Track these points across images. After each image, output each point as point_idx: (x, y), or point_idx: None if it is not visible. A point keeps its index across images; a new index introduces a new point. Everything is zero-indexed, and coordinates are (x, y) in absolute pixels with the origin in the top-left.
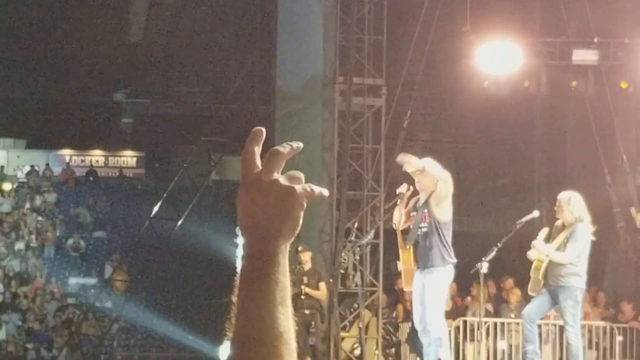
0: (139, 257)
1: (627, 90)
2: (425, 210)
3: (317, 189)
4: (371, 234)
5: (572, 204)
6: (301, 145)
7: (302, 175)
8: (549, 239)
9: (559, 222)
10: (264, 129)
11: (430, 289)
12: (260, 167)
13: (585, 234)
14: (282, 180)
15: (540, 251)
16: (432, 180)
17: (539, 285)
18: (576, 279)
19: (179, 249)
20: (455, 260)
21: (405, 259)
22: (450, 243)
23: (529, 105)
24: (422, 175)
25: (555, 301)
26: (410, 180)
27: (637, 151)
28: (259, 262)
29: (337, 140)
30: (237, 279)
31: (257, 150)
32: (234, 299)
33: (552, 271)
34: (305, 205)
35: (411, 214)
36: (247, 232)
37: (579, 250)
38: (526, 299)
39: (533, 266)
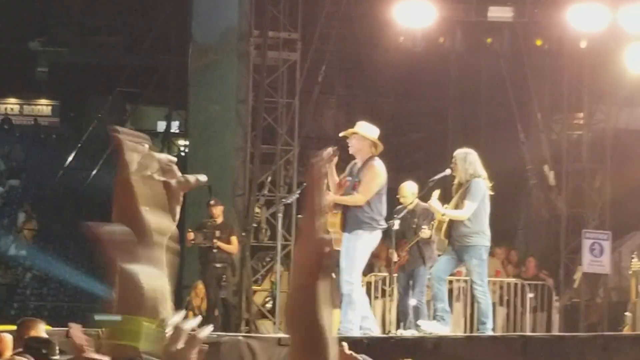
0: (51, 207)
1: (542, 47)
2: (357, 180)
3: (192, 178)
4: (298, 192)
5: (468, 161)
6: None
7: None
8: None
9: (456, 181)
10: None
11: (352, 249)
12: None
13: (480, 189)
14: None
15: (436, 211)
16: (366, 143)
17: (444, 244)
18: (479, 238)
19: (92, 199)
20: (384, 225)
21: (332, 224)
22: (380, 209)
23: (444, 62)
24: (354, 139)
25: (461, 259)
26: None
27: (550, 109)
28: None
29: (251, 94)
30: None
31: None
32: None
33: (455, 231)
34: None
35: (346, 179)
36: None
37: (475, 206)
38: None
39: (434, 226)
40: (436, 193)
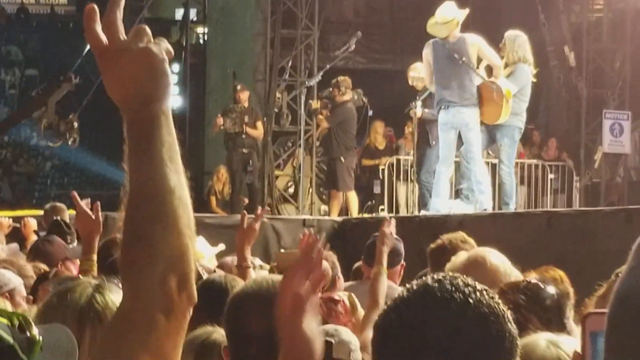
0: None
1: None
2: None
3: (163, 45)
4: (319, 76)
5: (517, 43)
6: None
7: (146, 30)
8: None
9: (503, 61)
10: None
11: None
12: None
13: (525, 74)
14: (132, 43)
15: (482, 78)
16: None
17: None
18: (515, 118)
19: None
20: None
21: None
22: None
23: None
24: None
25: (493, 139)
26: None
27: None
28: (140, 128)
29: None
30: (124, 146)
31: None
32: (124, 165)
33: None
34: (166, 58)
35: None
36: (121, 102)
37: (517, 90)
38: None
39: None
40: (483, 64)
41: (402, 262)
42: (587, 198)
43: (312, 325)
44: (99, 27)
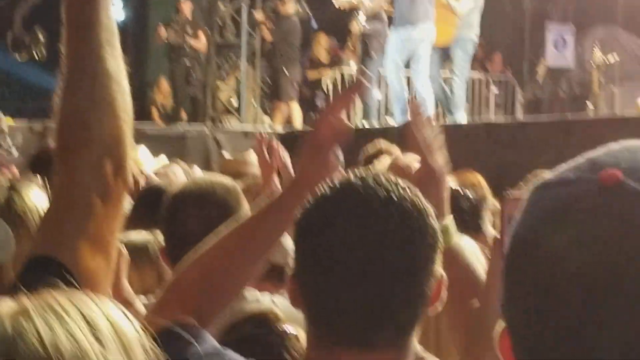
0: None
1: None
2: None
3: None
4: None
5: None
6: None
7: None
8: None
9: None
10: None
11: None
12: None
13: None
14: None
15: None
16: None
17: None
18: (468, 31)
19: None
20: None
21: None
22: None
23: None
24: None
25: (447, 54)
26: None
27: None
28: (78, 8)
29: None
30: (62, 29)
31: None
32: (61, 47)
33: None
34: None
35: None
36: None
37: (471, 4)
38: None
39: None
40: None
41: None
42: (530, 113)
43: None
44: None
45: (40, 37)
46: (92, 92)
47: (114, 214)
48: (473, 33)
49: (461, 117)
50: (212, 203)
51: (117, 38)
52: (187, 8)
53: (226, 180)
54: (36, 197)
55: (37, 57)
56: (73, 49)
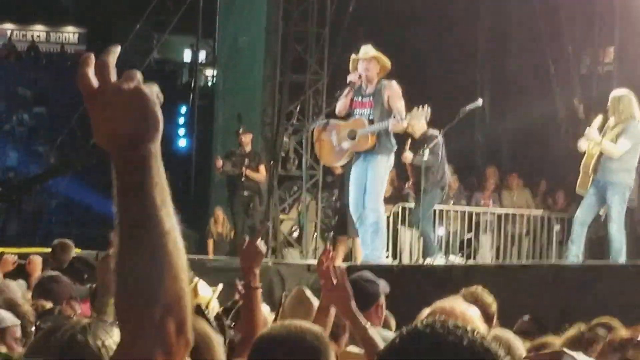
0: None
1: None
2: (371, 98)
3: (154, 88)
4: (321, 119)
5: (624, 103)
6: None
7: (137, 73)
8: (602, 128)
9: (610, 122)
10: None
11: (372, 174)
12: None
13: (638, 131)
14: (123, 84)
15: (593, 140)
16: (380, 68)
17: (588, 180)
18: (626, 175)
19: None
20: (395, 147)
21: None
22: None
23: None
24: (372, 63)
25: (603, 197)
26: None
27: (581, 38)
28: (130, 169)
29: (281, 23)
30: (114, 190)
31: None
32: (114, 208)
33: (603, 165)
34: (157, 101)
35: (354, 99)
36: (110, 143)
37: (629, 147)
38: (469, 187)
39: (583, 162)
40: (598, 119)
41: (379, 302)
42: (592, 250)
43: None
44: (91, 71)
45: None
46: (151, 253)
47: None
48: (630, 178)
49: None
50: (302, 349)
51: (169, 196)
52: (246, 140)
53: (314, 327)
54: (110, 340)
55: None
56: (127, 210)
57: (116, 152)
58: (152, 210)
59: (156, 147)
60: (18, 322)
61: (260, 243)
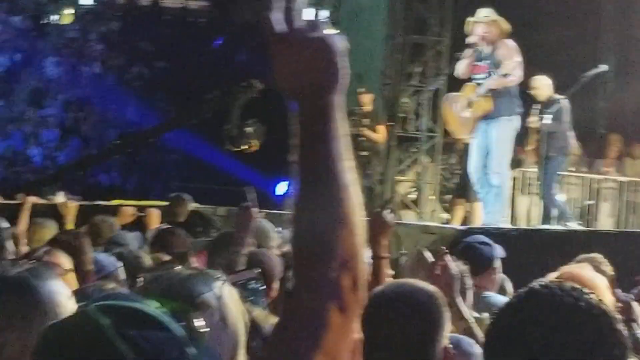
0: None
1: None
2: (488, 62)
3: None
4: (440, 80)
5: None
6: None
7: (322, 23)
8: None
9: None
10: None
11: (496, 136)
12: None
13: None
14: (309, 32)
15: None
16: (498, 29)
17: None
18: None
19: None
20: (522, 109)
21: (484, 109)
22: (517, 92)
23: None
24: (487, 26)
25: None
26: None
27: None
28: (317, 118)
29: None
30: (294, 140)
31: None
32: (294, 158)
33: None
34: (343, 53)
35: (474, 64)
36: (295, 91)
37: None
38: (590, 154)
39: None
40: None
41: (494, 265)
42: None
43: None
44: (276, 15)
45: (255, 129)
46: (330, 207)
47: (348, 330)
48: None
49: None
50: (414, 307)
51: (350, 150)
52: (366, 100)
53: (429, 286)
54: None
55: (249, 149)
56: (310, 160)
57: (299, 100)
58: (331, 162)
59: (339, 99)
60: (120, 264)
61: (387, 214)
